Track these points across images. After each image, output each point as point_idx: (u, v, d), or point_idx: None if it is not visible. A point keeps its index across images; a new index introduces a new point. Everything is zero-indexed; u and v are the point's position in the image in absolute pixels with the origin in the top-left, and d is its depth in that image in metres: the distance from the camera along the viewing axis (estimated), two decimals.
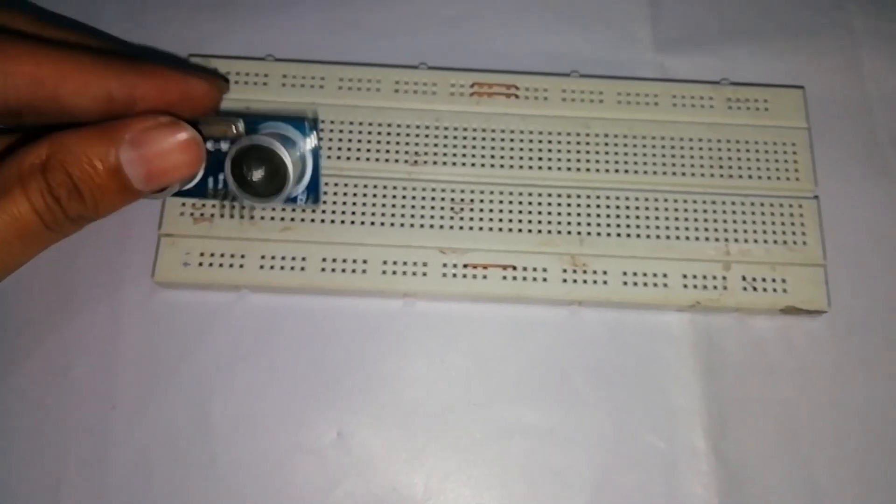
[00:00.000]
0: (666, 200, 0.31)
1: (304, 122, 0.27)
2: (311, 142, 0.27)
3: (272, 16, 0.34)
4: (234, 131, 0.26)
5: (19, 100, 0.23)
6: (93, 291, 0.30)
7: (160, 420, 0.29)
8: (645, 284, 0.30)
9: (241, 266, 0.29)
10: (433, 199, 0.31)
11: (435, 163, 0.31)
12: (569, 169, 0.31)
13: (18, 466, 0.28)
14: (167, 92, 0.24)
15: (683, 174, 0.31)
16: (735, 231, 0.31)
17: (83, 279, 0.30)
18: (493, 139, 0.31)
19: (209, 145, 0.26)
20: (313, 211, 0.30)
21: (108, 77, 0.23)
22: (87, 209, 0.23)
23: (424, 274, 0.30)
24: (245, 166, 0.27)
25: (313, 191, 0.28)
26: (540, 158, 0.31)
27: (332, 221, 0.30)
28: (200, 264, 0.29)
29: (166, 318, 0.30)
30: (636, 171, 0.31)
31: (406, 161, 0.31)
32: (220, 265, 0.29)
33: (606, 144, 0.32)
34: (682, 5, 0.36)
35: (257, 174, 0.27)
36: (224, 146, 0.27)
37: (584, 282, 0.30)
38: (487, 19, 0.35)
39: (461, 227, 0.30)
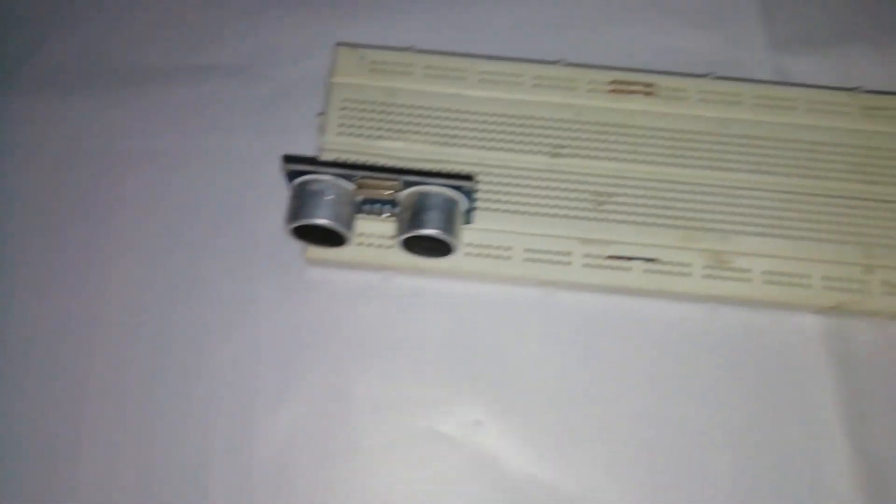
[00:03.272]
0: (805, 203, 0.31)
1: (461, 188, 0.28)
2: (466, 204, 0.28)
3: (415, 8, 0.35)
4: (391, 192, 0.27)
5: None
6: (240, 267, 0.30)
7: (302, 403, 0.29)
8: (787, 284, 0.30)
9: (389, 247, 0.29)
10: (574, 190, 0.31)
11: (575, 156, 0.31)
12: (709, 168, 0.31)
13: (163, 453, 0.28)
14: None
15: (824, 177, 0.31)
16: (878, 236, 0.30)
17: (232, 254, 0.31)
18: (631, 135, 0.32)
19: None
20: None
21: None
22: None
23: (567, 263, 0.30)
24: (417, 240, 0.28)
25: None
26: (680, 156, 0.31)
27: (476, 207, 0.30)
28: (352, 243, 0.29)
29: (313, 296, 0.30)
30: (775, 173, 0.31)
31: (547, 153, 0.31)
32: (370, 245, 0.29)
33: (746, 145, 0.32)
34: (796, 7, 0.37)
35: (426, 246, 0.28)
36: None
37: (727, 279, 0.30)
38: (594, 17, 0.36)
39: (603, 219, 0.30)
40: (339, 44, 0.33)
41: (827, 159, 0.32)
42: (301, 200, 0.27)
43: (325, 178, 0.27)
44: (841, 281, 0.30)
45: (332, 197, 0.27)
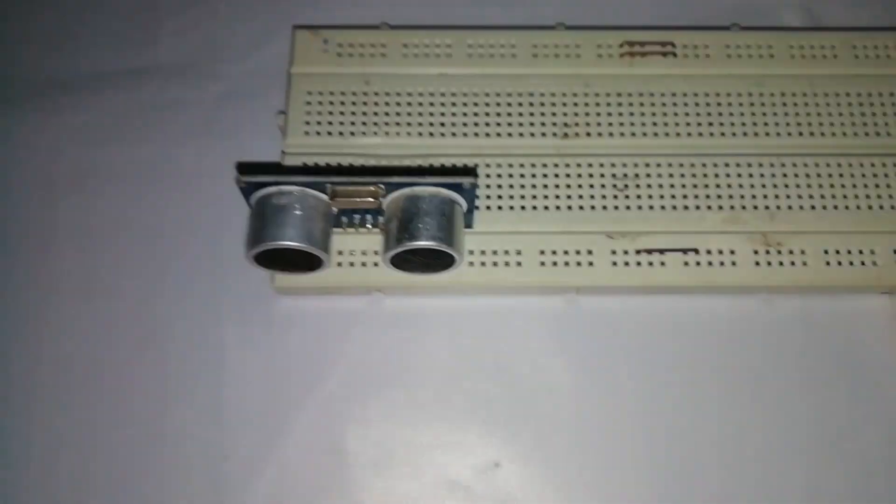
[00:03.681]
0: (862, 165, 0.26)
1: (460, 186, 0.23)
2: (466, 205, 0.24)
3: None
4: (374, 201, 0.22)
5: None
6: (199, 303, 0.25)
7: (284, 466, 0.24)
8: (851, 263, 0.25)
9: (376, 264, 0.24)
10: (591, 175, 0.26)
11: (589, 134, 0.26)
12: (745, 134, 0.27)
13: None
14: None
15: (878, 134, 0.27)
16: None
17: (189, 288, 0.26)
18: (652, 104, 0.27)
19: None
20: None
21: None
22: None
23: (591, 264, 0.25)
24: (409, 254, 0.23)
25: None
26: (710, 124, 0.27)
27: (478, 207, 0.25)
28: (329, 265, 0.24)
29: (288, 332, 0.25)
30: (823, 134, 0.27)
31: (555, 134, 0.26)
32: (351, 264, 0.24)
33: (784, 105, 0.27)
34: None
35: (422, 260, 0.24)
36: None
37: (780, 263, 0.25)
38: None
39: (629, 207, 0.25)
40: (298, 27, 0.28)
41: (879, 112, 0.27)
42: (263, 219, 0.22)
43: (291, 189, 0.22)
44: None
45: (300, 212, 0.22)
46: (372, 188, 0.22)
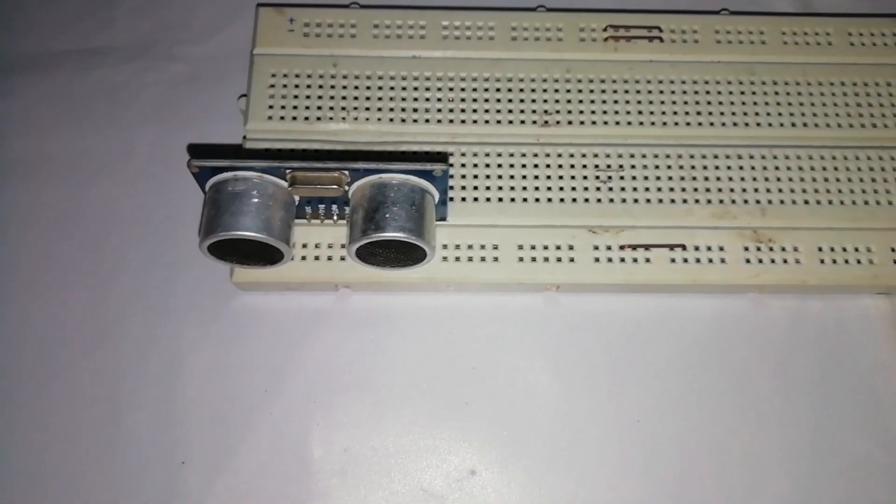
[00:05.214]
0: (858, 158, 0.25)
1: (431, 173, 0.21)
2: (437, 195, 0.22)
3: None
4: (338, 189, 0.21)
5: None
6: (155, 299, 0.24)
7: (244, 473, 0.22)
8: (846, 262, 0.24)
9: (342, 258, 0.23)
10: (572, 165, 0.24)
11: (570, 122, 0.25)
12: (735, 124, 0.25)
13: None
14: None
15: (875, 125, 0.25)
16: None
17: (145, 282, 0.24)
18: (637, 92, 0.25)
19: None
20: None
21: None
22: None
23: (572, 259, 0.23)
24: (376, 247, 0.22)
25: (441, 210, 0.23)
26: (698, 113, 0.25)
27: (451, 199, 0.24)
28: (291, 258, 0.22)
29: (247, 330, 0.23)
30: (817, 125, 0.25)
31: (534, 122, 0.25)
32: (316, 258, 0.23)
33: (777, 94, 0.26)
34: None
35: (390, 253, 0.22)
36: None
37: (772, 261, 0.24)
38: None
39: (612, 200, 0.24)
40: (262, 5, 0.26)
41: (876, 103, 0.26)
42: (217, 207, 0.20)
43: (248, 174, 0.20)
44: None
45: (257, 200, 0.20)
46: (335, 175, 0.20)
